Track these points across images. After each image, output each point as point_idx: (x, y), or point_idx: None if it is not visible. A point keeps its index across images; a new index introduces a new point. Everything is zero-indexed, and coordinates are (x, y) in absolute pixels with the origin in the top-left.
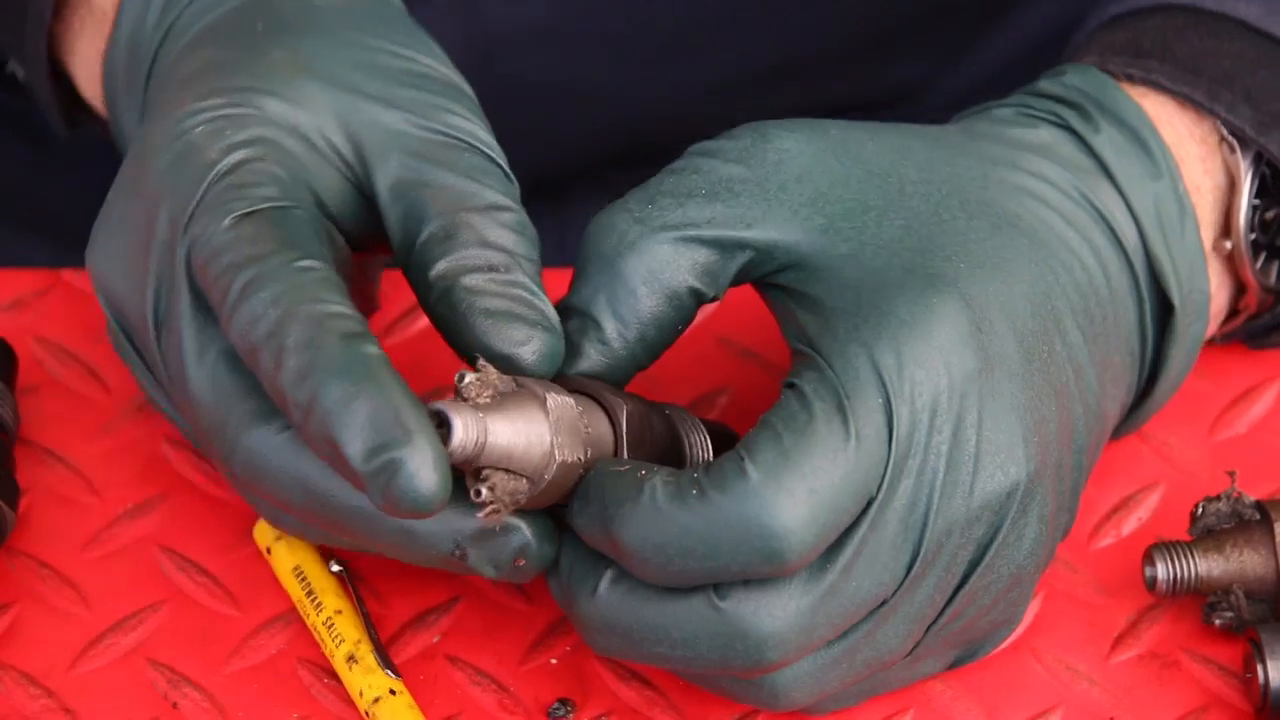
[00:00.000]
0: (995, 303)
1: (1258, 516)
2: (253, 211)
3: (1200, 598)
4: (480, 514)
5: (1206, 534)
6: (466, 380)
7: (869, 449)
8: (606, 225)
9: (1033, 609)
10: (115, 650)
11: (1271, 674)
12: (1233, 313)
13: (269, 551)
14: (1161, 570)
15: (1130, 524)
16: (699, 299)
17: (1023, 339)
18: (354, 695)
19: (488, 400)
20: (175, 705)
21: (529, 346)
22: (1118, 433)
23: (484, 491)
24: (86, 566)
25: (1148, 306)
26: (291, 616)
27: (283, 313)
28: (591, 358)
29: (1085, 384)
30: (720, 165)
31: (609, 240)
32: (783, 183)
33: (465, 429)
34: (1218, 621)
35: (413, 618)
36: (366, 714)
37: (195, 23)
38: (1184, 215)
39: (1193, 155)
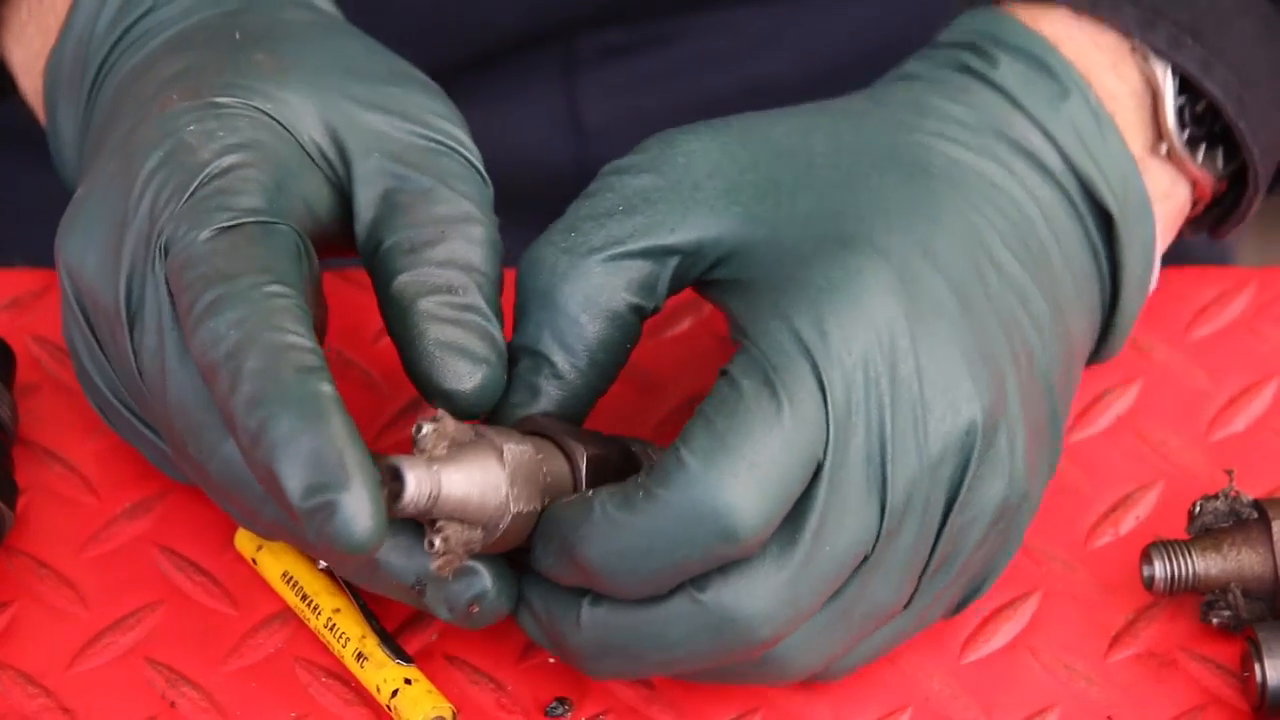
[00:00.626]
0: (916, 250)
1: (1255, 515)
2: (234, 225)
3: (1198, 596)
4: (434, 564)
5: (1204, 533)
6: (424, 432)
7: (804, 414)
8: (536, 261)
9: (1030, 607)
10: (113, 649)
11: (1269, 672)
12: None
13: (254, 561)
14: (1159, 569)
15: (1128, 522)
16: (640, 314)
17: (952, 279)
18: (372, 691)
19: (444, 452)
20: (173, 704)
21: (471, 383)
22: (1101, 354)
23: (437, 542)
24: (85, 566)
25: (1090, 222)
26: (289, 616)
27: (243, 336)
28: (549, 394)
29: (1034, 311)
30: (632, 179)
31: (541, 276)
32: (695, 182)
33: (418, 483)
34: (1215, 620)
35: (411, 616)
36: (389, 708)
37: (160, 32)
38: (1101, 124)
39: (1101, 64)
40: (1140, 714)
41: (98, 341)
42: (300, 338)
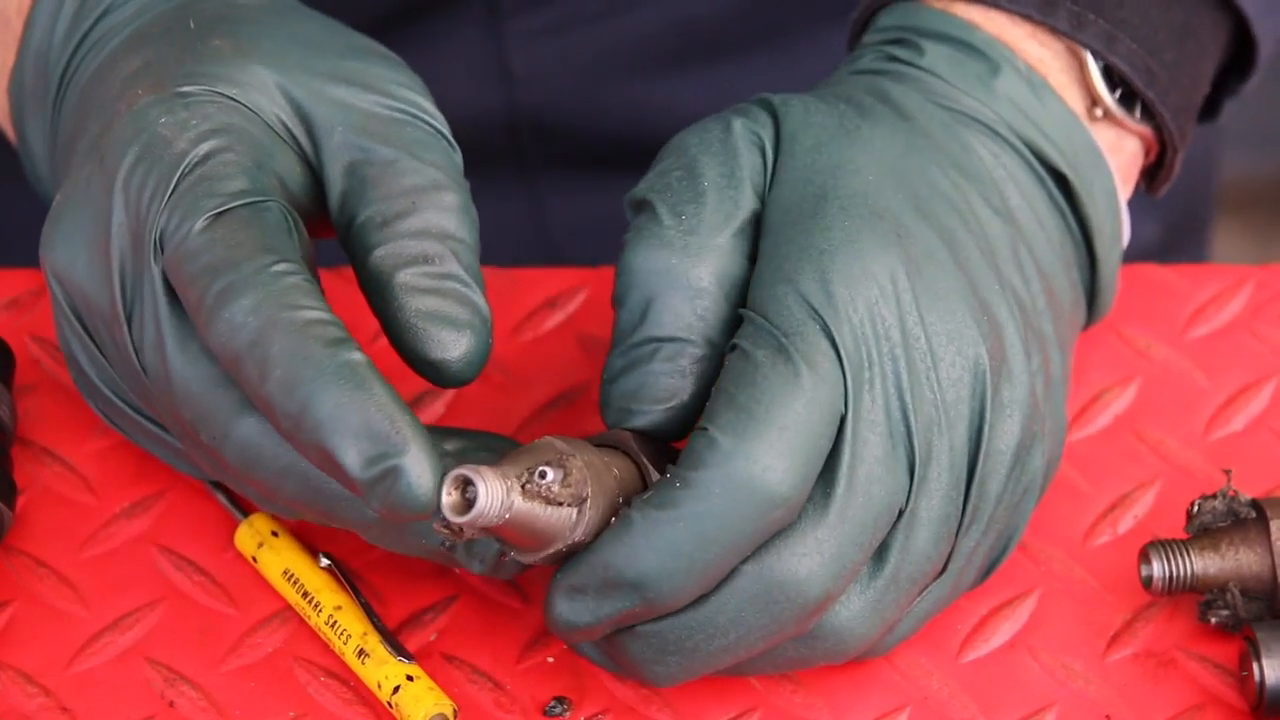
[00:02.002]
0: (909, 207)
1: (1254, 514)
2: (225, 210)
3: (1196, 596)
4: (436, 526)
5: (1202, 532)
6: (548, 478)
7: (822, 373)
8: (657, 248)
9: (1028, 607)
10: (112, 649)
11: (1267, 672)
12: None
13: (255, 560)
14: (1158, 569)
15: (1126, 522)
16: None
17: (943, 233)
18: (373, 689)
19: (540, 502)
20: (172, 704)
21: (457, 351)
22: (1093, 315)
23: (452, 526)
24: (84, 565)
25: (1051, 184)
26: (288, 615)
27: (264, 321)
28: (696, 376)
29: (1019, 262)
30: (696, 161)
31: (670, 260)
32: (745, 150)
33: (487, 508)
34: (1214, 620)
35: (410, 616)
36: (389, 704)
37: (116, 34)
38: (1036, 89)
39: (1021, 35)
40: (1138, 713)
41: (95, 344)
42: (319, 311)
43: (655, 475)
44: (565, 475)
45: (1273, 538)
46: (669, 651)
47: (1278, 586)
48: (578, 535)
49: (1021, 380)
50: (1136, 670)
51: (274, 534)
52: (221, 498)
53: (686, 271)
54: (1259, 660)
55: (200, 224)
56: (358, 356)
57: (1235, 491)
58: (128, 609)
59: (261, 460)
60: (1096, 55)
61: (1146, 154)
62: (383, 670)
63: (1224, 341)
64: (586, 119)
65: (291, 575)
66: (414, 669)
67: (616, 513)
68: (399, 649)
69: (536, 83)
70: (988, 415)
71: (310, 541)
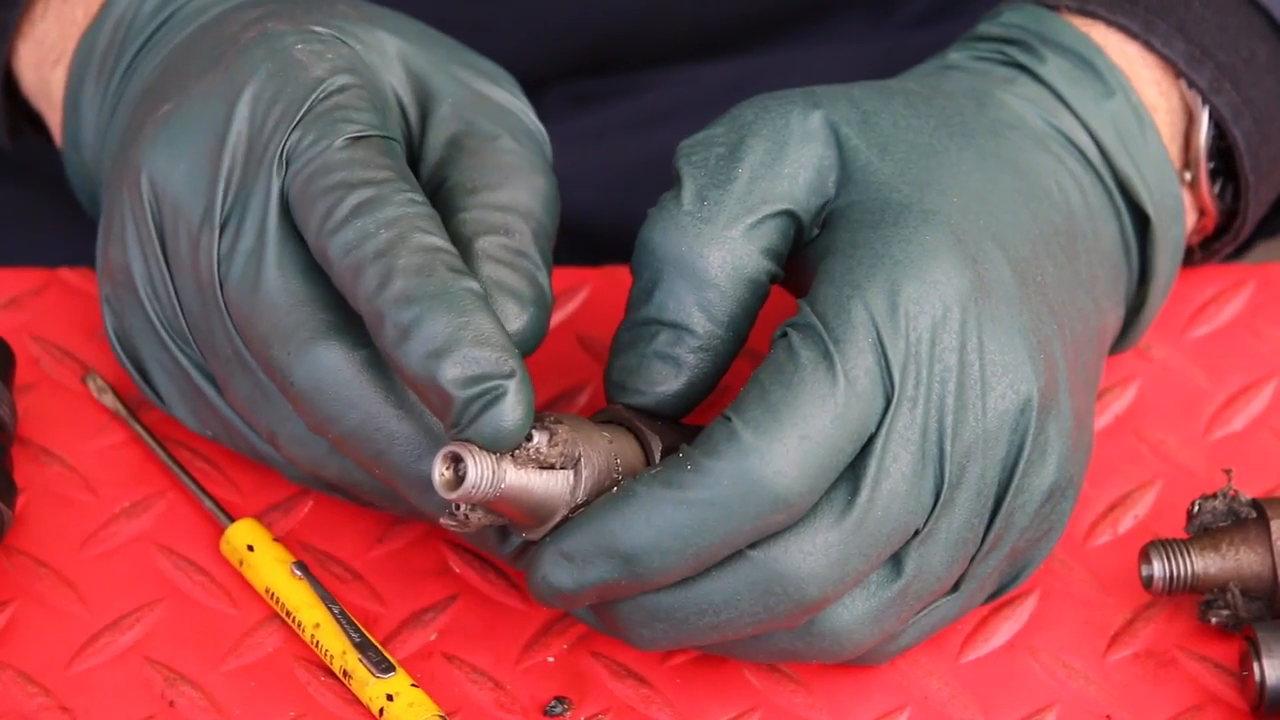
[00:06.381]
0: (987, 234)
1: (1254, 514)
2: (363, 137)
3: (1197, 596)
4: (442, 519)
5: (1203, 532)
6: (534, 440)
7: (860, 389)
8: (672, 232)
9: (1029, 607)
10: (112, 648)
11: (1267, 672)
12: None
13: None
14: (1158, 568)
15: (1127, 522)
16: (773, 279)
17: (1016, 265)
18: (367, 705)
19: (533, 468)
20: (172, 703)
21: (518, 324)
22: (1120, 346)
23: (458, 517)
24: (84, 565)
25: (1126, 218)
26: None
27: (395, 236)
28: (690, 366)
29: (1079, 303)
30: (742, 146)
31: (681, 246)
32: (799, 145)
33: (478, 480)
34: (1214, 619)
35: (410, 616)
36: None
37: (213, 8)
38: (1143, 126)
39: (1146, 78)
40: (1139, 713)
41: (164, 256)
42: (445, 242)
43: (659, 445)
44: (551, 436)
45: (1273, 538)
46: (658, 619)
47: (1278, 586)
48: (579, 497)
49: (1066, 423)
50: (1137, 670)
51: (250, 548)
52: (206, 501)
53: (695, 260)
54: (1259, 660)
55: (339, 142)
56: (477, 287)
57: (1236, 491)
58: (128, 609)
59: (330, 387)
60: (1218, 124)
61: (1191, 235)
62: (366, 692)
63: (1224, 341)
64: (612, 223)
65: (272, 594)
66: (395, 683)
67: (616, 481)
68: (379, 661)
69: (569, 183)
70: (1026, 451)
71: (305, 539)
